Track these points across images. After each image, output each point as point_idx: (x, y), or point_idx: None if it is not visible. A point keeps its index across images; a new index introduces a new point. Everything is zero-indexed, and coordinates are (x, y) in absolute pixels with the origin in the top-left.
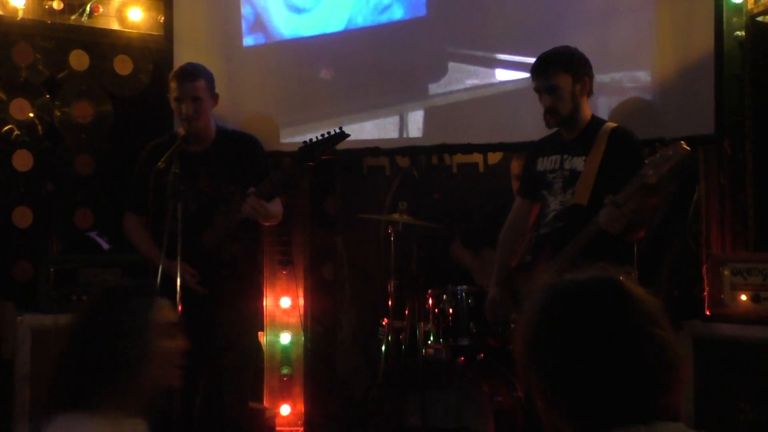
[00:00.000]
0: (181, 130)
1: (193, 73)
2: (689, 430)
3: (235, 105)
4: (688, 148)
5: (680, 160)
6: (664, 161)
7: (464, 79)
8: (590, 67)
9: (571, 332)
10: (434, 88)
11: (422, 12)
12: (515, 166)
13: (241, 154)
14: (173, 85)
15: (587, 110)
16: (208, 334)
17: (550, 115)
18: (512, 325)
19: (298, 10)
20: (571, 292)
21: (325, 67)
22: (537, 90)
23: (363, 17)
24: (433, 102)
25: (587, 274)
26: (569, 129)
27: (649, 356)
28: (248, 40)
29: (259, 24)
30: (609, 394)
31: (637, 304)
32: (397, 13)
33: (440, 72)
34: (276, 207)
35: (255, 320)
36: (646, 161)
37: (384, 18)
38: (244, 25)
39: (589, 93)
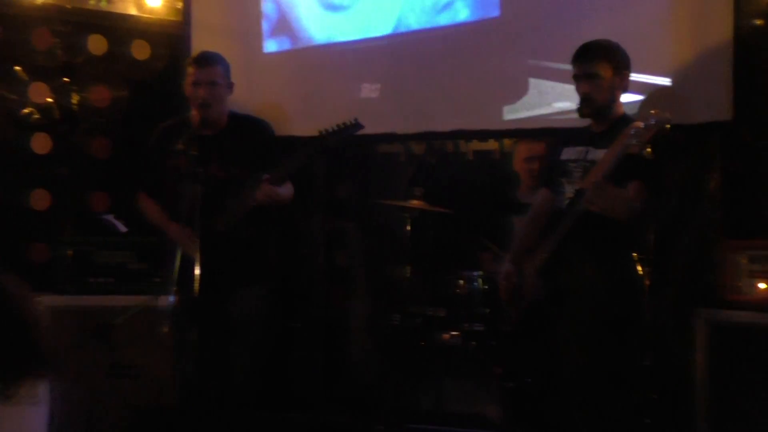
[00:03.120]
0: (195, 114)
1: (211, 59)
2: None
3: (251, 92)
4: (669, 115)
5: (661, 127)
6: (646, 130)
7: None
8: (630, 63)
9: None
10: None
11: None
12: (522, 150)
13: (253, 139)
14: (191, 69)
15: (620, 105)
16: (225, 313)
17: (586, 103)
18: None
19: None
20: None
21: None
22: (576, 77)
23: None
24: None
25: None
26: (599, 121)
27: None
28: (270, 45)
29: (283, 24)
30: None
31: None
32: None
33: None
34: (287, 191)
35: (267, 306)
36: (632, 131)
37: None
38: (264, 25)
39: (625, 89)
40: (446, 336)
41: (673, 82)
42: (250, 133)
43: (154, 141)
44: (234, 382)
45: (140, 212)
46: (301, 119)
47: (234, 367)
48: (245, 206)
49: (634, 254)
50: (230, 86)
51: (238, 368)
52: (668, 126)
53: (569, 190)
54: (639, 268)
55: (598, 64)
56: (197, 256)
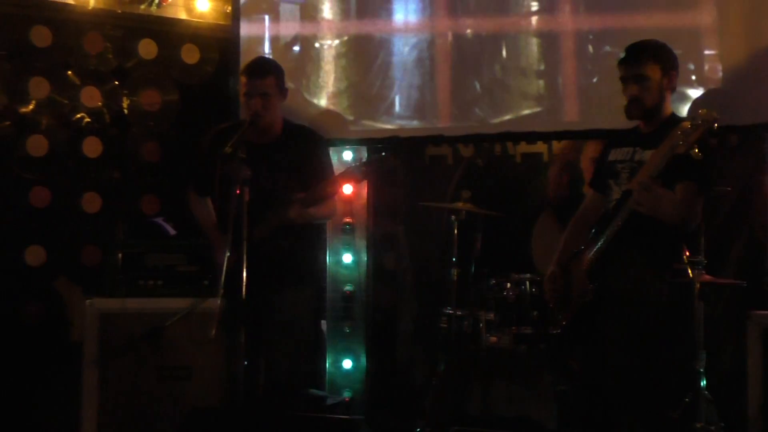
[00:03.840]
0: (248, 120)
1: (262, 68)
2: None
3: (302, 97)
4: (716, 115)
5: (709, 127)
6: (694, 130)
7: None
8: (677, 63)
9: None
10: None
11: None
12: (591, 148)
13: (304, 151)
14: (243, 80)
15: (669, 106)
16: (265, 320)
17: (635, 105)
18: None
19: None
20: None
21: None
22: (624, 79)
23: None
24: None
25: None
26: (648, 122)
27: None
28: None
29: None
30: None
31: None
32: None
33: None
34: (325, 210)
35: (309, 308)
36: (679, 132)
37: None
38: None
39: (673, 89)
40: (494, 339)
41: (724, 82)
42: (301, 145)
43: (206, 142)
44: (281, 383)
45: (191, 212)
46: (351, 117)
47: (280, 369)
48: (277, 221)
49: (685, 256)
50: (284, 93)
51: (284, 370)
52: (716, 126)
53: (617, 192)
54: (690, 270)
55: (647, 66)
56: (225, 262)
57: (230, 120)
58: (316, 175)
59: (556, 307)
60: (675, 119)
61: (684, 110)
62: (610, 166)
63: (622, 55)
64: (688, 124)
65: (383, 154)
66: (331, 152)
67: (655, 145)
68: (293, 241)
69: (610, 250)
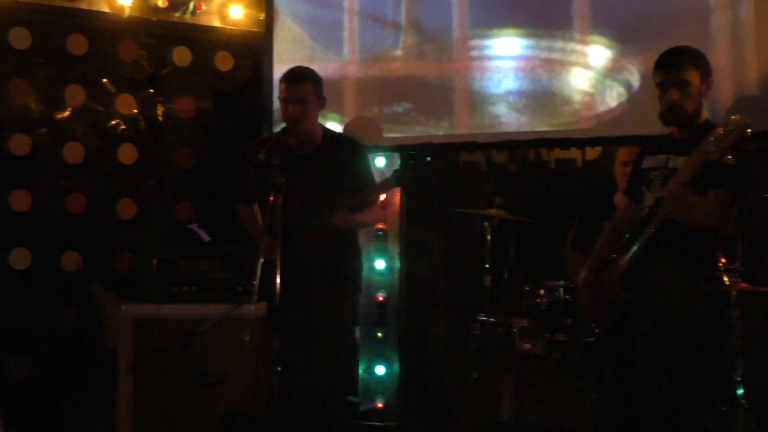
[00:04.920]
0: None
1: (301, 75)
2: None
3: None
4: (750, 121)
5: (742, 133)
6: (726, 136)
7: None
8: (711, 69)
9: None
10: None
11: None
12: (622, 153)
13: (345, 160)
14: (282, 86)
15: (704, 112)
16: (305, 327)
17: (674, 111)
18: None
19: None
20: None
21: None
22: (663, 84)
23: None
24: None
25: None
26: (682, 129)
27: None
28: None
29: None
30: None
31: None
32: None
33: None
34: (370, 216)
35: (351, 317)
36: (711, 138)
37: None
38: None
39: (708, 95)
40: (528, 346)
41: (760, 89)
42: (341, 155)
43: (249, 153)
44: (318, 390)
45: (240, 222)
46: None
47: (319, 376)
48: (323, 230)
49: (721, 263)
50: (322, 102)
51: (323, 378)
52: (749, 132)
53: (650, 199)
54: (726, 277)
55: (688, 71)
56: (278, 266)
57: (263, 126)
58: (358, 184)
59: (589, 314)
60: (709, 125)
61: None
62: (644, 174)
63: (660, 59)
64: (721, 130)
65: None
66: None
67: (689, 151)
68: (337, 249)
69: (643, 258)
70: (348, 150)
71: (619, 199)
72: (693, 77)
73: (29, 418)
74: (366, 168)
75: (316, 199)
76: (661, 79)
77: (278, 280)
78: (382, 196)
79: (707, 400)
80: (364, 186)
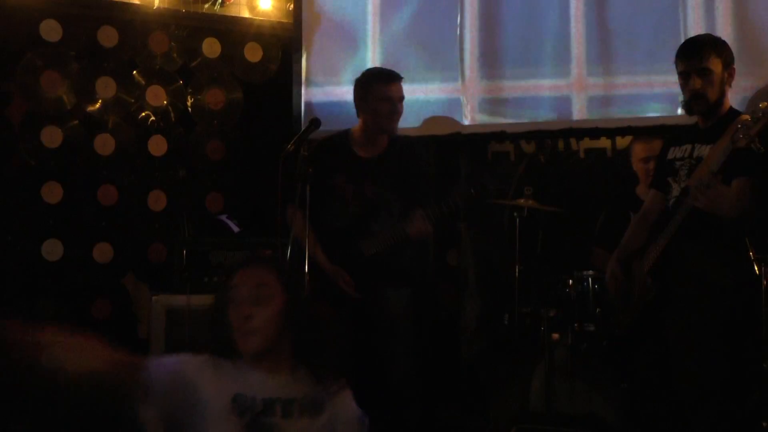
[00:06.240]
0: (359, 129)
1: (398, 76)
2: None
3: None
4: None
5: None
6: (754, 123)
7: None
8: (734, 57)
9: None
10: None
11: None
12: (639, 150)
13: (409, 165)
14: (380, 86)
15: (727, 100)
16: (374, 313)
17: (698, 100)
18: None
19: None
20: None
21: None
22: (685, 73)
23: None
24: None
25: None
26: (707, 118)
27: None
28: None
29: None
30: None
31: None
32: None
33: None
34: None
35: (411, 309)
36: (738, 125)
37: None
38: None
39: (731, 83)
40: (557, 336)
41: None
42: (406, 159)
43: (310, 155)
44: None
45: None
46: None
47: (390, 368)
48: (396, 237)
49: (751, 253)
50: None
51: (394, 369)
52: None
53: (676, 189)
54: (756, 267)
55: (710, 60)
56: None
57: (291, 118)
58: (422, 189)
59: (618, 305)
60: (733, 113)
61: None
62: (669, 164)
63: (682, 48)
64: (748, 117)
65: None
66: None
67: (714, 140)
68: (407, 261)
69: (671, 248)
70: (413, 155)
71: (642, 191)
72: (715, 65)
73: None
74: (431, 171)
75: (377, 202)
76: (683, 68)
77: (306, 270)
78: None
79: (738, 390)
80: (426, 191)
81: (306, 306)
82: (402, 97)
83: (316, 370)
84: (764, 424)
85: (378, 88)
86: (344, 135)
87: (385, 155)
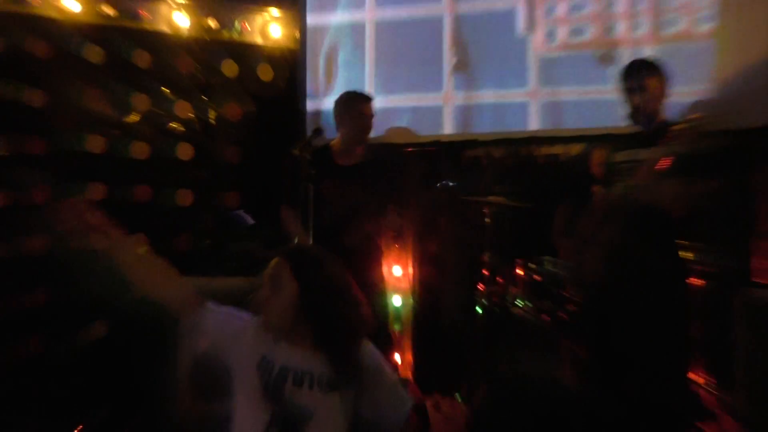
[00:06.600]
0: (338, 142)
1: (371, 96)
2: None
3: None
4: (707, 119)
5: (701, 130)
6: (687, 131)
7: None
8: (668, 76)
9: None
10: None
11: None
12: (597, 155)
13: (383, 171)
14: (357, 105)
15: (663, 111)
16: None
17: (638, 113)
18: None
19: None
20: None
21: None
22: (629, 89)
23: None
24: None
25: None
26: (647, 127)
27: None
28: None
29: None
30: None
31: None
32: None
33: None
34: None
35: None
36: (675, 134)
37: None
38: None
39: (667, 97)
40: (521, 310)
41: (717, 92)
42: (379, 166)
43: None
44: None
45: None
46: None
47: None
48: (371, 227)
49: (684, 240)
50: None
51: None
52: (706, 128)
53: (622, 187)
54: (688, 252)
55: (649, 78)
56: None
57: (296, 128)
58: (395, 189)
59: (572, 286)
60: (669, 123)
61: None
62: (616, 166)
63: (627, 68)
64: (682, 127)
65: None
66: None
67: (653, 145)
68: (365, 240)
69: (617, 237)
70: (385, 161)
71: (597, 189)
72: (653, 83)
73: (109, 372)
74: (401, 174)
75: (357, 204)
76: (627, 86)
77: None
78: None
79: (672, 352)
80: (399, 193)
81: (322, 295)
82: (373, 115)
83: (331, 353)
84: (691, 383)
85: (355, 107)
86: (325, 148)
87: (361, 163)
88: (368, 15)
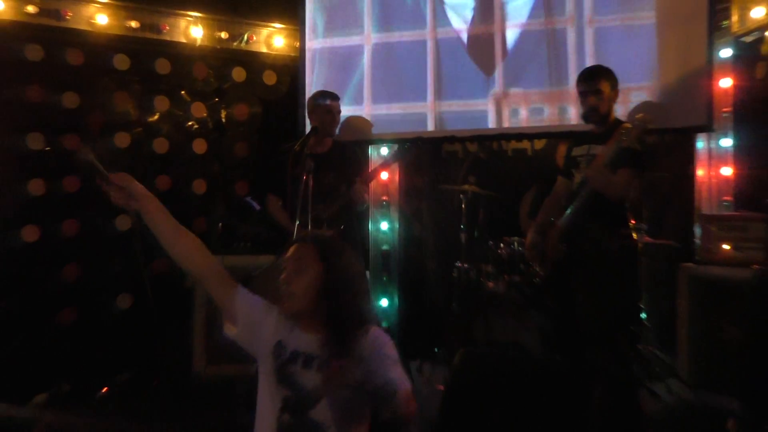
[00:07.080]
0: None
1: (337, 95)
2: None
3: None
4: (650, 119)
5: (645, 128)
6: (633, 129)
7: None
8: (617, 81)
9: None
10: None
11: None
12: (561, 149)
13: (348, 157)
14: (324, 103)
15: (613, 113)
16: None
17: (592, 113)
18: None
19: None
20: None
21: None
22: (583, 92)
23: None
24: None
25: None
26: (600, 125)
27: None
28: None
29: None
30: None
31: None
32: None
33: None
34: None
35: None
36: (622, 131)
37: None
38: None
39: (616, 100)
40: (492, 284)
41: (661, 98)
42: (345, 153)
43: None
44: None
45: (269, 213)
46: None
47: None
48: (343, 201)
49: (631, 223)
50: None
51: None
52: (650, 127)
53: (578, 177)
54: (635, 234)
55: (601, 83)
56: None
57: (296, 125)
58: (357, 171)
59: (536, 263)
60: (618, 122)
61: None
62: (573, 159)
63: (582, 75)
64: (629, 125)
65: (406, 145)
66: (371, 148)
67: (605, 141)
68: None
69: (575, 220)
70: (348, 149)
71: (559, 179)
72: (605, 87)
73: (129, 340)
74: (360, 160)
75: (329, 185)
76: (582, 89)
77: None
78: (385, 175)
79: (621, 323)
80: (360, 173)
81: (343, 277)
82: (339, 111)
83: (337, 337)
84: (639, 346)
85: (323, 104)
86: (306, 139)
87: (330, 151)
88: (366, 40)
